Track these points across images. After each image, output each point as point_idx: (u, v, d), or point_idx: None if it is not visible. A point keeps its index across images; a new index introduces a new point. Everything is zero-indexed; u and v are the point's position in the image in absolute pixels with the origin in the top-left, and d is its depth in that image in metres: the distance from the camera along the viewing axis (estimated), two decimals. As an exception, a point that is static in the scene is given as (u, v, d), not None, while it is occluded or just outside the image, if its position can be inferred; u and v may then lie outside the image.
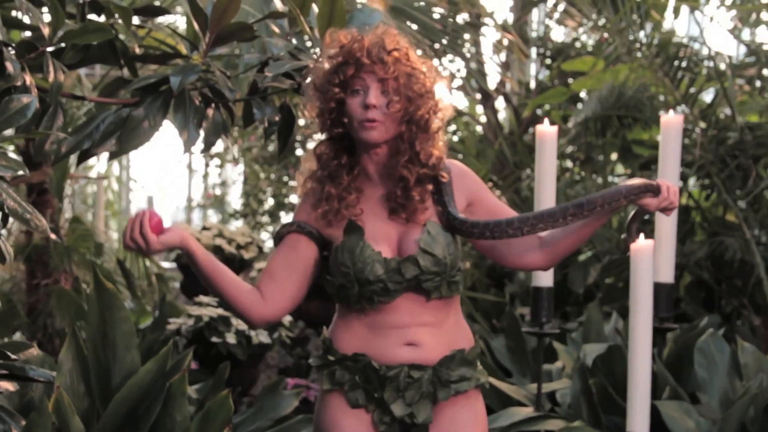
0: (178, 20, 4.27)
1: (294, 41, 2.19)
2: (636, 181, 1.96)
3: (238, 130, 7.87)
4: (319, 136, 2.07)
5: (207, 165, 9.29)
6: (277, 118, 2.10)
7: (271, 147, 8.21)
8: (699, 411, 2.91)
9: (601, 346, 3.28)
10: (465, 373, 2.04)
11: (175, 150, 11.44)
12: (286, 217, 8.29)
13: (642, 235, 2.67)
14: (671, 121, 2.67)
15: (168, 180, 10.36)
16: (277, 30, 2.21)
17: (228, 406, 2.28)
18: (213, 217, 9.73)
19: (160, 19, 3.15)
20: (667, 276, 2.93)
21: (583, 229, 2.00)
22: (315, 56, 2.13)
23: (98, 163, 8.01)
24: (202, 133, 2.03)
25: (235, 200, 9.42)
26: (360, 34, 1.99)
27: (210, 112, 2.06)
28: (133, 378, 2.26)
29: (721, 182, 4.94)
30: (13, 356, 1.87)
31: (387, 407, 2.01)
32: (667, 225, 2.96)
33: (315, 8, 2.13)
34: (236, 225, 8.57)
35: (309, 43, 2.19)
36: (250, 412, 2.87)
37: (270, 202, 8.39)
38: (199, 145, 2.06)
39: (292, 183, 8.20)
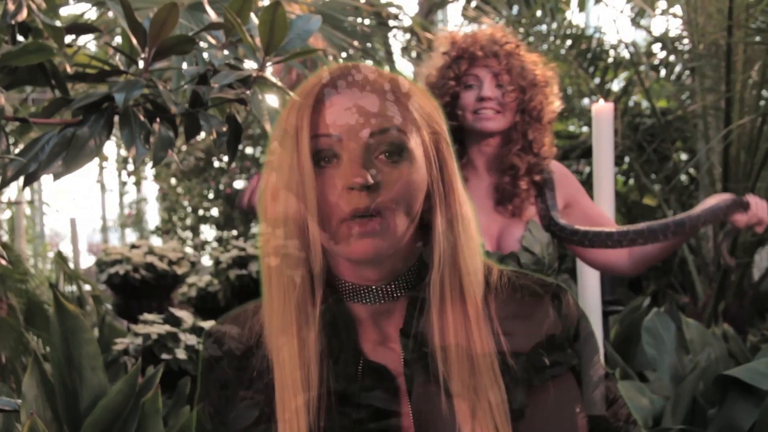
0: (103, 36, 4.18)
1: (227, 51, 2.18)
2: (725, 196, 1.97)
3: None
4: None
5: (124, 184, 9.13)
6: (225, 129, 2.08)
7: (187, 161, 8.11)
8: (651, 388, 2.99)
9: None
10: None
11: (86, 170, 11.16)
12: (208, 231, 8.20)
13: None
14: (602, 109, 2.71)
15: (81, 201, 10.15)
16: (213, 41, 2.19)
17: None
18: (131, 235, 9.55)
19: (87, 36, 3.09)
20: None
21: (676, 242, 2.03)
22: (255, 66, 2.12)
23: (8, 189, 7.81)
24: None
25: (152, 217, 9.28)
26: (471, 31, 2.06)
27: (156, 126, 2.03)
28: (104, 399, 2.22)
29: (639, 167, 5.07)
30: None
31: None
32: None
33: (254, 18, 2.13)
34: (156, 242, 8.44)
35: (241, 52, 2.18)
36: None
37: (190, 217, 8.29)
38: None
39: (212, 196, 8.11)
